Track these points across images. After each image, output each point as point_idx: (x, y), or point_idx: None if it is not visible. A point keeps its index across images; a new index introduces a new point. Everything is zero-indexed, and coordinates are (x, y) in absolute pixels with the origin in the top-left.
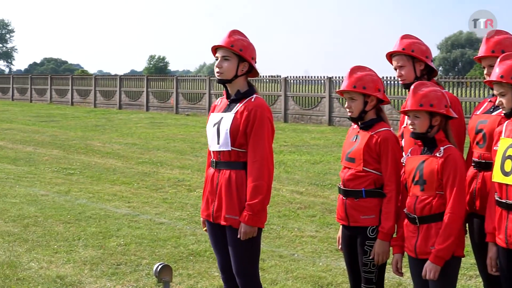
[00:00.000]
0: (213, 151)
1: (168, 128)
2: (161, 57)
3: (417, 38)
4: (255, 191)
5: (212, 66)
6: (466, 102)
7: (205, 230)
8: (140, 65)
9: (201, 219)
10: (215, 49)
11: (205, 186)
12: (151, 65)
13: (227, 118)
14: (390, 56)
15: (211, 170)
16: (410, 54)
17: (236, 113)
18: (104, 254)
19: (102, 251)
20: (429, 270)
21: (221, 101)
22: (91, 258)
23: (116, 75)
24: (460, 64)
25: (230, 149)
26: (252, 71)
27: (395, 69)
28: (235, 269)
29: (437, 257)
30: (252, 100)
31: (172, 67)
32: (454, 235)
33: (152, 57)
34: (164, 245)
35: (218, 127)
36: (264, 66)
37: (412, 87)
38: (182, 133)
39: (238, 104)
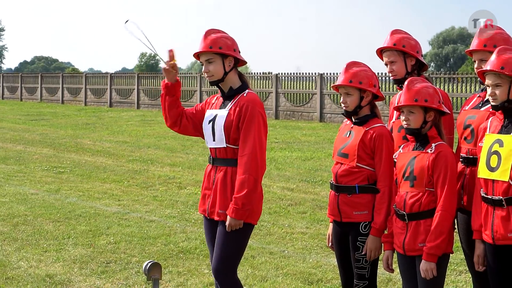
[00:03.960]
0: (210, 148)
1: (159, 125)
2: (152, 54)
3: (407, 33)
4: (242, 184)
5: None
6: (457, 97)
7: None
8: (131, 63)
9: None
10: (197, 55)
11: (203, 182)
12: (142, 63)
13: (221, 115)
14: (380, 52)
15: (209, 166)
16: (401, 50)
17: (229, 110)
18: (93, 253)
19: (91, 249)
20: (425, 269)
21: (216, 98)
22: (81, 256)
23: (106, 73)
24: (451, 59)
25: (225, 146)
26: (239, 62)
27: (386, 65)
28: (216, 264)
29: (429, 255)
30: (244, 95)
31: (163, 64)
32: (446, 232)
33: (143, 55)
34: (154, 243)
35: (213, 124)
36: (256, 63)
37: (406, 83)
38: (173, 130)
39: (231, 100)
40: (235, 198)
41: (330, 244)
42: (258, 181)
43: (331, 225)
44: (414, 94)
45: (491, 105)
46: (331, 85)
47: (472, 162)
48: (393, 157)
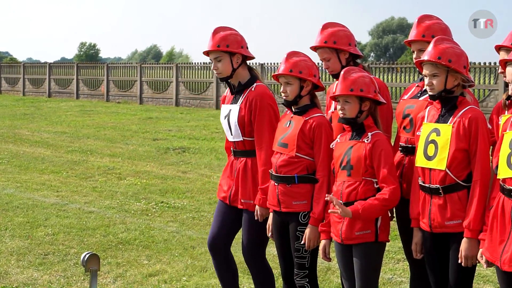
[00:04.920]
0: (230, 141)
1: (98, 116)
2: (92, 44)
3: (338, 25)
4: (265, 175)
5: (144, 53)
6: (396, 87)
7: None
8: (70, 53)
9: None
10: (207, 52)
11: (224, 171)
12: (81, 53)
13: (234, 110)
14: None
15: (232, 157)
16: (332, 47)
17: (240, 104)
18: (31, 244)
19: (29, 241)
20: (341, 210)
21: (229, 92)
22: (18, 248)
23: (45, 62)
24: (391, 49)
25: (242, 139)
26: (247, 57)
27: (322, 61)
28: (246, 250)
29: (356, 212)
30: (253, 89)
31: (103, 54)
32: (384, 209)
33: (82, 44)
34: (93, 234)
35: (228, 120)
36: (198, 53)
37: (342, 72)
38: (112, 121)
39: (242, 95)
40: (261, 189)
41: (270, 234)
42: None
43: (271, 215)
44: (350, 84)
45: (429, 94)
46: (272, 75)
47: (411, 151)
48: (330, 146)
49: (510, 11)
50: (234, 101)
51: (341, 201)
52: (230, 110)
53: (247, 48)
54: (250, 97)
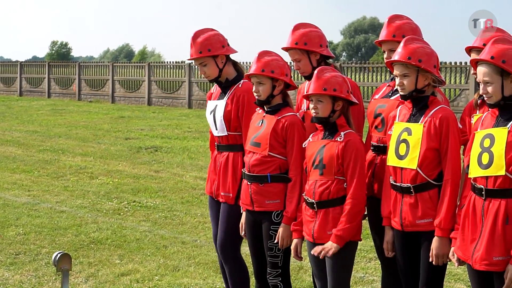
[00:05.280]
0: (215, 136)
1: (70, 115)
2: (64, 43)
3: (309, 26)
4: None
5: (116, 52)
6: (368, 87)
7: None
8: (42, 51)
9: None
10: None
11: (210, 166)
12: (53, 51)
13: (220, 106)
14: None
15: (215, 152)
16: (303, 48)
17: (227, 100)
18: (2, 244)
19: (0, 240)
20: (327, 249)
21: (216, 88)
22: None
23: (16, 61)
24: (363, 49)
25: (226, 134)
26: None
27: (292, 61)
28: (219, 242)
29: (337, 237)
30: (240, 86)
31: (75, 53)
32: (357, 219)
33: (54, 43)
34: (65, 234)
35: (214, 115)
36: (170, 52)
37: (315, 72)
38: (84, 120)
39: (228, 91)
40: None
41: (243, 233)
42: None
43: (244, 214)
44: (323, 83)
45: (400, 94)
46: (244, 75)
47: (382, 150)
48: (303, 145)
49: (510, 11)
50: (221, 97)
51: (317, 248)
52: (216, 105)
53: (228, 45)
54: (237, 93)
